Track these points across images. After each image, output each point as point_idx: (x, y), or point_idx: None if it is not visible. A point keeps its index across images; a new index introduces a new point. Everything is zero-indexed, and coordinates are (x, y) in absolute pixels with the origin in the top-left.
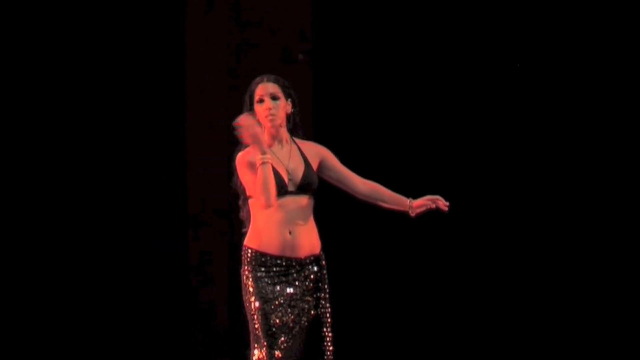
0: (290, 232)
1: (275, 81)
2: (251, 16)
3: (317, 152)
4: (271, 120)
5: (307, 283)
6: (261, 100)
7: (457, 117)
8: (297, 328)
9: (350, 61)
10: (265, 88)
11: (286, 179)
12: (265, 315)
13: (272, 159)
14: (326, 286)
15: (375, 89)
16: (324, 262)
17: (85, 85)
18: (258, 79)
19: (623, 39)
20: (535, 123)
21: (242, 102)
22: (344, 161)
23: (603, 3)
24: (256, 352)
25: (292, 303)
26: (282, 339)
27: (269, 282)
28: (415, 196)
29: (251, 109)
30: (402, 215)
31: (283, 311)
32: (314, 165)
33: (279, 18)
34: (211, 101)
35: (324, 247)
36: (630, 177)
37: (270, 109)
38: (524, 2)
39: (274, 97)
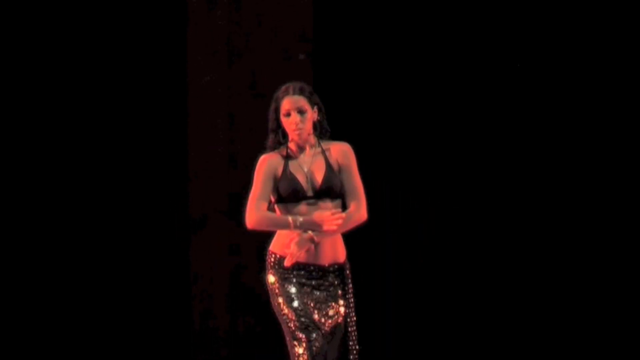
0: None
1: (301, 93)
2: (252, 16)
3: (339, 153)
4: (299, 135)
5: (331, 289)
6: (288, 114)
7: (456, 116)
8: (324, 328)
9: (350, 62)
10: (292, 102)
11: (304, 184)
12: (296, 313)
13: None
14: (350, 296)
15: (375, 89)
16: (347, 272)
17: (86, 86)
18: (284, 89)
19: (623, 39)
20: (535, 122)
21: (268, 110)
22: None
23: (603, 3)
24: (297, 349)
25: (318, 305)
26: (315, 335)
27: (295, 281)
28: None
29: (276, 119)
30: (427, 224)
31: (311, 310)
32: (337, 166)
33: (280, 18)
34: (212, 102)
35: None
36: (631, 177)
37: (297, 123)
38: (524, 2)
39: (301, 111)
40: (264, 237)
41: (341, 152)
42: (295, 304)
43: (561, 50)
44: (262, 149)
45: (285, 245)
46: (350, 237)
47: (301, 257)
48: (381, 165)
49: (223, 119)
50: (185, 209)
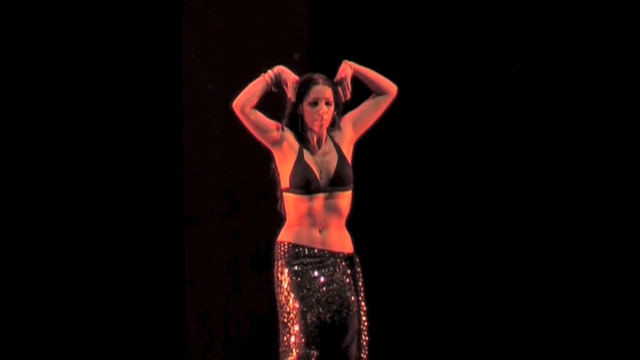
0: (320, 231)
1: (331, 85)
2: (247, 15)
3: (345, 125)
4: (320, 125)
5: (344, 278)
6: (315, 103)
7: (456, 116)
8: (337, 325)
9: (350, 56)
10: (322, 92)
11: (318, 175)
12: (302, 315)
13: (271, 81)
14: (360, 287)
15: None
16: (357, 260)
17: (80, 84)
18: (309, 78)
19: (623, 39)
20: (535, 123)
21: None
22: None
23: (603, 3)
24: (293, 352)
25: (330, 299)
26: (321, 338)
27: (305, 276)
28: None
29: (298, 103)
30: (438, 219)
31: (320, 308)
32: (349, 142)
33: (275, 17)
34: (208, 100)
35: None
36: (630, 177)
37: (323, 114)
38: (524, 2)
39: (328, 103)
40: (262, 238)
41: (341, 131)
42: (302, 304)
43: (561, 51)
44: (258, 148)
45: (294, 228)
46: (356, 233)
47: (309, 242)
48: (379, 164)
49: (219, 118)
50: (181, 209)
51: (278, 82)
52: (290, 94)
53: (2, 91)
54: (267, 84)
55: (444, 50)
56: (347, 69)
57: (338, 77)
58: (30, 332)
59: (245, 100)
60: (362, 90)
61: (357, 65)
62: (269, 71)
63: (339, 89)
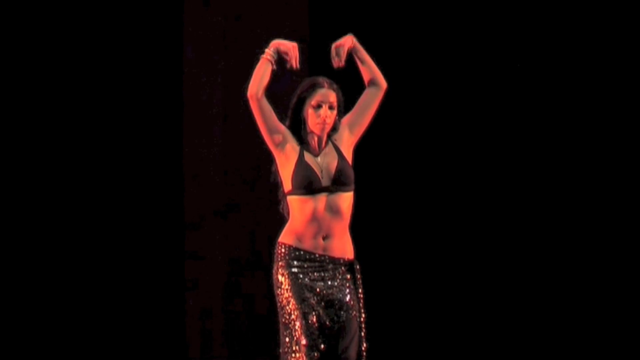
0: (324, 238)
1: (335, 89)
2: (247, 16)
3: (343, 129)
4: (322, 129)
5: (343, 281)
6: (319, 106)
7: (456, 118)
8: (336, 327)
9: (346, 62)
10: (326, 95)
11: (319, 174)
12: (303, 316)
13: (272, 58)
14: (360, 292)
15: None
16: (358, 267)
17: (79, 85)
18: (313, 82)
19: (623, 39)
20: (535, 123)
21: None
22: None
23: (603, 3)
24: (295, 354)
25: (329, 302)
26: (321, 339)
27: (305, 278)
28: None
29: (301, 105)
30: (438, 221)
31: (320, 310)
32: (348, 145)
33: (275, 18)
34: (207, 101)
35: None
36: (630, 177)
37: (326, 117)
38: (524, 2)
39: (331, 107)
40: (262, 238)
41: (340, 135)
42: (302, 306)
43: (561, 51)
44: (258, 149)
45: (297, 232)
46: (355, 237)
47: (310, 248)
48: (377, 166)
49: (218, 119)
50: (181, 209)
51: (279, 57)
52: (294, 62)
53: (2, 92)
54: (270, 62)
55: (445, 52)
56: (348, 40)
57: (337, 43)
58: (31, 332)
59: (258, 86)
60: (358, 89)
61: (358, 44)
62: (266, 50)
63: (333, 52)
